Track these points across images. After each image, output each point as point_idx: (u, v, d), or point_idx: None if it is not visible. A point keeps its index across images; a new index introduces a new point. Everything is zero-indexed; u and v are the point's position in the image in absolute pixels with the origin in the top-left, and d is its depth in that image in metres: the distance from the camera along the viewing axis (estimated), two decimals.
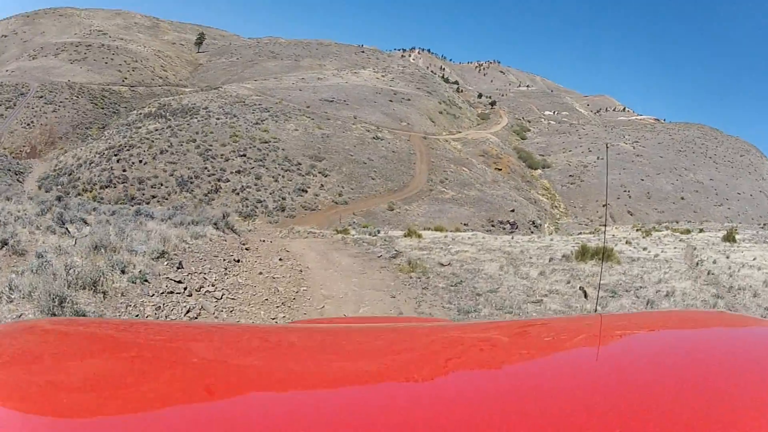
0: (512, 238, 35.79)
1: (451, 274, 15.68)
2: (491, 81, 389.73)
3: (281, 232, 37.42)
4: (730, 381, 1.18)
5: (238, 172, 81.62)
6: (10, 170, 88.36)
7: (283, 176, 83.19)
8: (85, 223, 18.91)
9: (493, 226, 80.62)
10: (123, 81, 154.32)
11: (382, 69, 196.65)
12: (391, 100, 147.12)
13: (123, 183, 76.56)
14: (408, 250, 21.23)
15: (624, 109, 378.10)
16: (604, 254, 19.97)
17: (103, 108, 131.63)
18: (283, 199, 76.81)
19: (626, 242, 34.93)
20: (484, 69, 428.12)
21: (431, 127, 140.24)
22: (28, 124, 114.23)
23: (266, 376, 1.27)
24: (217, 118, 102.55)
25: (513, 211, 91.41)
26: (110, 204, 69.29)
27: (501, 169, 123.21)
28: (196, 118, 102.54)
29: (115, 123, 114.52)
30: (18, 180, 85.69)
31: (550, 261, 19.51)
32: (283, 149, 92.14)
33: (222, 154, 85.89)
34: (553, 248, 24.94)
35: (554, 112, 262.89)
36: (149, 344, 1.50)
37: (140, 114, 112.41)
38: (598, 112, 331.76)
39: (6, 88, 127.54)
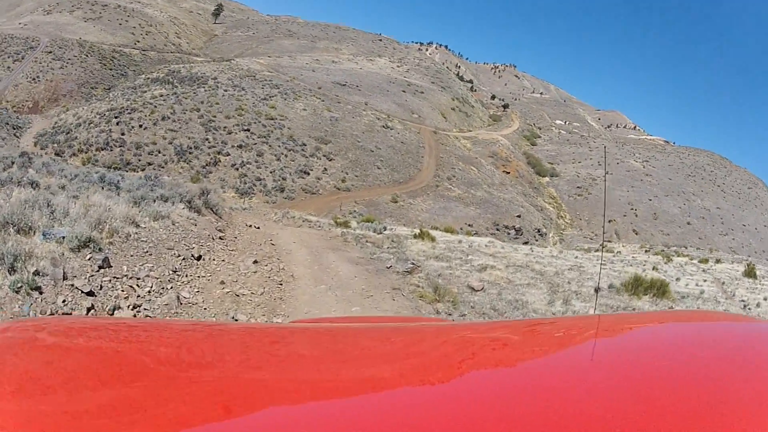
0: (531, 249, 32.01)
1: (490, 308, 11.71)
2: (505, 84, 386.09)
3: (275, 215, 35.03)
4: (730, 381, 1.19)
5: (240, 146, 78.08)
6: (8, 124, 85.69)
7: (285, 156, 79.58)
8: (34, 187, 14.59)
9: (497, 230, 78.52)
10: (135, 44, 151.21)
11: (398, 59, 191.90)
12: (404, 91, 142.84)
13: (120, 147, 73.40)
14: (423, 259, 17.15)
15: (635, 127, 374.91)
16: (641, 284, 16.61)
17: (111, 69, 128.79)
18: (284, 179, 73.39)
19: (653, 268, 31.03)
20: (499, 71, 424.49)
21: (442, 122, 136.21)
22: (34, 79, 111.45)
23: (266, 375, 1.27)
24: (225, 90, 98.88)
25: (519, 216, 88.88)
26: (104, 167, 66.39)
27: (509, 173, 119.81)
28: (204, 87, 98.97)
29: (122, 85, 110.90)
30: (15, 135, 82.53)
31: (596, 292, 15.52)
32: (289, 128, 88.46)
33: (225, 127, 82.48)
34: (584, 270, 21.63)
35: (566, 122, 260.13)
36: (148, 343, 1.47)
37: (148, 78, 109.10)
38: (609, 127, 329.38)
39: (16, 41, 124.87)
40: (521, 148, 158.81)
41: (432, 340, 1.68)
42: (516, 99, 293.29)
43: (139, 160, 70.53)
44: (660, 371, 1.27)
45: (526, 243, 70.83)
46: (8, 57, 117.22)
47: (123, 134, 75.84)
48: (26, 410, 0.93)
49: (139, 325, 1.83)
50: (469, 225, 74.04)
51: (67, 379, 1.09)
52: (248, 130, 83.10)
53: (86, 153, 71.43)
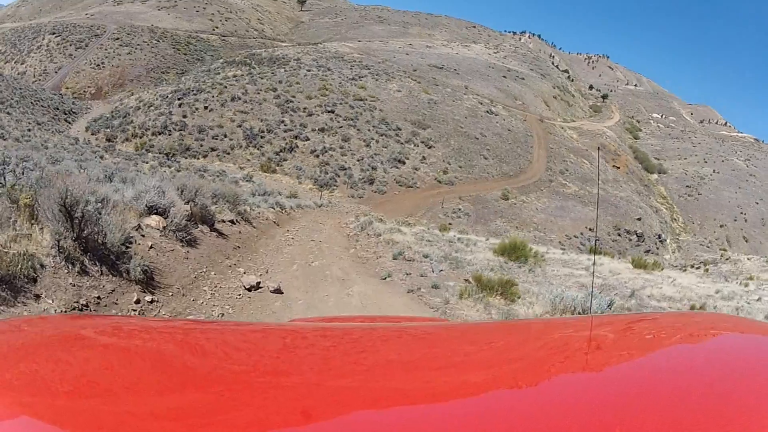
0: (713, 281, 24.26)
1: None
2: (599, 75, 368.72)
3: (355, 220, 27.24)
4: (724, 382, 1.20)
5: (322, 130, 67.40)
6: (58, 109, 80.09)
7: (377, 141, 68.20)
8: None
9: (619, 235, 69.51)
10: (213, 30, 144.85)
11: (494, 46, 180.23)
12: (504, 77, 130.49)
13: (180, 130, 64.47)
14: None
15: (726, 123, 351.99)
16: None
17: (186, 54, 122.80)
18: (374, 169, 62.21)
19: None
20: (593, 62, 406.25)
21: (545, 110, 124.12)
22: (98, 65, 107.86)
23: (267, 375, 1.27)
24: (308, 70, 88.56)
25: (639, 219, 77.31)
26: (160, 153, 57.88)
27: (619, 168, 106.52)
28: (284, 68, 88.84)
29: (197, 69, 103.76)
30: (66, 120, 76.91)
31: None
32: (380, 110, 76.83)
33: (305, 108, 71.78)
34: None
35: (662, 116, 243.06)
36: (151, 343, 1.51)
37: (225, 62, 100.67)
38: (701, 122, 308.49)
39: (79, 29, 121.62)
40: (625, 141, 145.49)
41: (432, 340, 1.72)
42: (612, 90, 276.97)
43: (201, 146, 61.97)
44: (653, 372, 1.29)
45: (648, 251, 65.26)
46: (70, 45, 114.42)
47: (185, 117, 67.02)
48: (28, 407, 0.93)
49: (140, 324, 1.88)
50: (590, 229, 63.91)
51: (65, 377, 1.11)
52: (332, 111, 72.09)
53: (141, 138, 63.84)
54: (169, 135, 63.65)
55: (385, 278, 12.58)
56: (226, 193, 17.06)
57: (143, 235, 10.21)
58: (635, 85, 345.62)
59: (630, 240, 68.96)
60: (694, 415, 0.96)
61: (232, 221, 15.68)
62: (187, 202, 13.10)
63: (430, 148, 70.86)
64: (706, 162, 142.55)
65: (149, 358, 1.29)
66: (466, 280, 12.50)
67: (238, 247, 13.68)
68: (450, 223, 51.57)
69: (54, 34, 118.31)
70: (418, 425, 0.93)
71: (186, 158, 57.57)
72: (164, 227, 11.04)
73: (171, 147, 60.54)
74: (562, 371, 1.31)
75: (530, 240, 55.58)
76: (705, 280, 23.87)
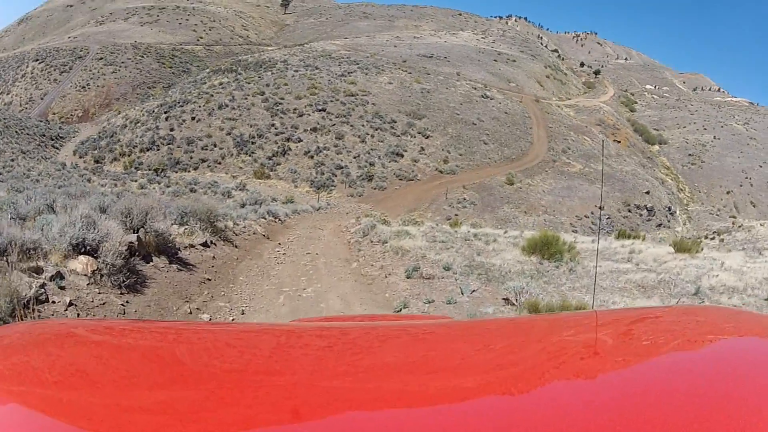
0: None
1: None
2: (589, 52, 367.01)
3: (356, 223, 24.42)
4: (727, 376, 1.18)
5: (314, 129, 64.78)
6: (44, 136, 78.37)
7: (372, 136, 65.53)
8: None
9: (629, 210, 67.66)
10: (198, 41, 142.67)
11: (482, 32, 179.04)
12: (495, 60, 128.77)
13: (168, 144, 62.15)
14: None
15: (719, 89, 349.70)
16: None
17: (171, 67, 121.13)
18: (371, 164, 59.56)
19: None
20: (581, 40, 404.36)
21: (540, 90, 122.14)
22: (83, 87, 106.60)
23: (259, 374, 1.27)
24: (295, 70, 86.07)
25: (648, 193, 74.64)
26: (149, 170, 55.54)
27: (620, 142, 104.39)
28: (271, 71, 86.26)
29: (183, 81, 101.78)
30: (54, 146, 75.26)
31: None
32: (373, 104, 74.16)
33: (295, 109, 69.03)
34: None
35: (655, 87, 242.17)
36: (150, 344, 1.51)
37: (211, 71, 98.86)
38: (694, 90, 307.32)
39: (62, 53, 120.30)
40: (623, 115, 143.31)
41: (434, 337, 1.68)
42: (602, 66, 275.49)
43: (191, 158, 59.79)
44: (656, 367, 1.28)
45: (659, 225, 66.43)
46: (54, 70, 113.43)
47: (172, 130, 64.70)
48: (27, 412, 0.94)
49: (136, 327, 1.85)
50: (600, 208, 61.85)
51: (64, 382, 1.11)
52: (324, 110, 69.33)
53: (129, 156, 61.82)
54: (158, 150, 61.44)
55: (400, 311, 9.38)
56: (198, 210, 14.08)
57: (63, 287, 7.19)
58: (625, 59, 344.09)
59: (641, 215, 67.33)
60: (695, 410, 0.95)
61: (204, 244, 12.79)
62: (135, 231, 10.13)
63: (427, 138, 68.34)
64: (705, 129, 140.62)
65: (141, 356, 1.31)
66: (505, 300, 9.54)
67: (208, 279, 10.66)
68: (456, 214, 50.02)
69: (37, 60, 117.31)
70: (417, 424, 0.92)
71: (176, 172, 55.51)
72: (94, 271, 8.00)
73: (160, 162, 58.31)
74: (568, 371, 1.27)
75: (540, 225, 54.23)
76: (754, 260, 20.85)
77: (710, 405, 0.98)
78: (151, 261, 9.86)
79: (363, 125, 67.05)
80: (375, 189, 55.14)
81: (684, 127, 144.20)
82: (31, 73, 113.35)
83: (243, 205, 27.63)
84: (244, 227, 17.84)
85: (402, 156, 62.53)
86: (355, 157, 60.12)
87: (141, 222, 10.46)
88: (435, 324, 2.17)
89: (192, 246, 12.13)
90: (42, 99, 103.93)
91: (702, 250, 22.62)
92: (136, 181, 47.50)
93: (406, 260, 13.26)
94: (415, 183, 58.70)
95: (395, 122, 69.44)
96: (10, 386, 1.02)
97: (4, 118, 78.30)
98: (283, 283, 11.49)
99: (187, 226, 13.31)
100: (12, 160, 53.16)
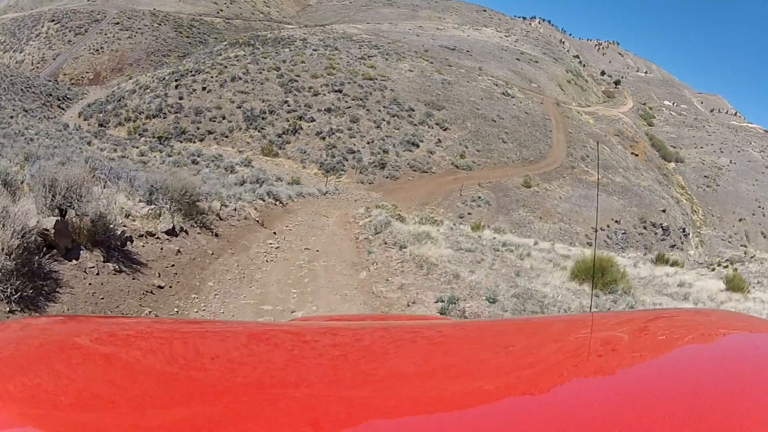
0: None
1: None
2: (609, 62, 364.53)
3: (365, 218, 20.00)
4: (726, 380, 1.17)
5: (328, 110, 61.39)
6: (51, 95, 76.58)
7: (388, 122, 61.91)
8: None
9: (645, 228, 64.44)
10: (218, 13, 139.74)
11: (505, 30, 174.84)
12: (518, 59, 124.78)
13: (176, 113, 59.52)
14: None
15: (735, 113, 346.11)
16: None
17: (188, 37, 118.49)
18: (385, 152, 56.11)
19: None
20: (603, 48, 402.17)
21: (560, 94, 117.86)
22: (97, 50, 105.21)
23: (267, 374, 1.26)
24: (314, 49, 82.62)
25: (664, 211, 71.23)
26: (153, 138, 53.08)
27: (638, 155, 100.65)
28: (289, 48, 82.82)
29: (199, 51, 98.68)
30: (60, 106, 73.63)
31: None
32: (392, 90, 70.45)
33: (310, 87, 65.82)
34: None
35: (674, 104, 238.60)
36: (148, 342, 1.50)
37: (228, 44, 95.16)
38: (711, 111, 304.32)
39: (79, 15, 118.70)
40: (641, 128, 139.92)
41: (433, 338, 1.69)
42: (623, 77, 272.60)
43: (198, 129, 57.24)
44: (654, 370, 1.28)
45: (673, 246, 62.59)
46: (69, 31, 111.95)
47: (181, 98, 61.97)
48: (24, 411, 0.94)
49: (138, 325, 1.84)
50: (617, 221, 60.30)
51: (60, 379, 1.11)
52: (340, 91, 65.90)
53: (134, 122, 59.44)
54: (164, 118, 58.96)
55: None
56: (171, 187, 10.74)
57: None
58: (645, 72, 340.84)
59: (656, 233, 64.29)
60: (692, 413, 0.95)
61: (171, 232, 9.53)
62: (62, 211, 6.83)
63: (445, 130, 64.89)
64: (722, 152, 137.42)
65: (151, 364, 1.27)
66: None
67: (159, 287, 7.30)
68: (470, 213, 47.94)
69: (53, 21, 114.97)
70: (415, 425, 0.93)
71: (181, 142, 52.89)
72: None
73: (165, 130, 55.76)
74: (560, 369, 1.30)
75: (556, 233, 51.39)
76: None
77: (709, 406, 0.99)
78: (77, 258, 6.57)
79: (380, 110, 63.80)
80: (387, 178, 52.02)
81: (701, 147, 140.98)
82: (46, 33, 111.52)
83: (242, 183, 24.39)
84: (235, 210, 14.70)
85: (417, 146, 59.35)
86: (368, 143, 57.00)
87: (66, 200, 7.13)
88: (434, 324, 2.20)
89: (151, 234, 8.87)
90: (54, 59, 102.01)
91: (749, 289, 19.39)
92: (137, 147, 45.54)
93: (433, 279, 9.86)
94: (429, 176, 55.56)
95: (413, 111, 66.19)
96: (10, 389, 1.00)
97: (11, 75, 76.35)
98: (267, 295, 8.30)
99: (153, 206, 10.05)
100: (11, 117, 52.03)
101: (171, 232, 9.51)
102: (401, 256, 11.86)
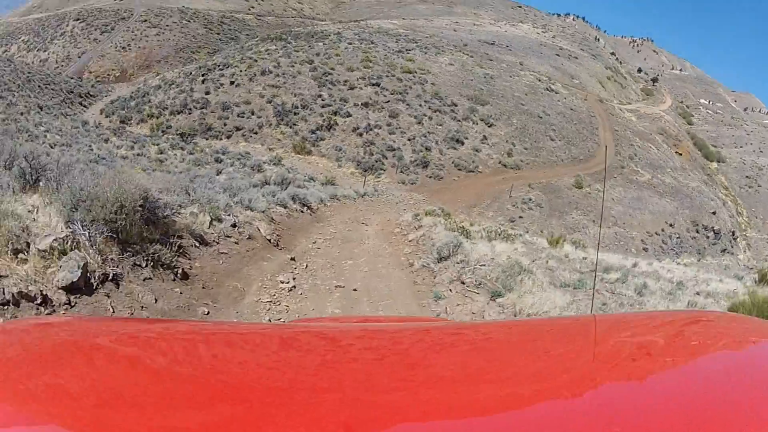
0: None
1: None
2: (644, 59, 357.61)
3: (415, 231, 15.48)
4: (728, 383, 1.19)
5: (366, 105, 57.01)
6: (72, 92, 73.68)
7: (430, 118, 57.41)
8: None
9: (697, 231, 61.24)
10: (249, 10, 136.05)
11: (542, 26, 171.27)
12: (557, 55, 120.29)
13: (201, 108, 55.66)
14: None
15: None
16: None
17: (218, 34, 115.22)
18: (428, 149, 51.87)
19: None
20: (637, 45, 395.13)
21: (601, 91, 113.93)
22: (124, 48, 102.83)
23: (267, 375, 1.27)
24: (349, 43, 78.32)
25: (714, 213, 67.94)
26: (177, 134, 49.73)
27: (681, 154, 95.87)
28: (323, 42, 78.67)
29: (230, 48, 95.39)
30: (82, 104, 70.75)
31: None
32: (432, 83, 65.96)
33: (346, 81, 61.55)
34: None
35: (709, 102, 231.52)
36: (149, 343, 1.50)
37: (260, 40, 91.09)
38: (745, 110, 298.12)
39: (105, 13, 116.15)
40: (682, 127, 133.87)
41: (433, 340, 1.69)
42: (659, 75, 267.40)
43: (225, 125, 53.63)
44: (655, 372, 1.28)
45: (724, 251, 59.74)
46: (95, 29, 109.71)
47: (207, 93, 58.34)
48: (25, 411, 0.94)
49: (142, 325, 1.87)
50: (670, 225, 57.43)
51: (62, 380, 1.10)
52: (378, 84, 61.59)
53: (157, 118, 55.74)
54: (189, 114, 55.36)
55: None
56: (103, 197, 6.17)
57: None
58: (680, 70, 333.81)
59: (707, 237, 61.12)
60: (693, 415, 0.97)
61: (75, 288, 5.10)
62: None
63: (490, 126, 60.24)
64: (761, 151, 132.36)
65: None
66: None
67: None
68: (521, 216, 44.64)
69: (78, 20, 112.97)
70: (415, 426, 0.93)
71: (206, 139, 49.72)
72: None
73: (190, 127, 52.36)
74: (560, 371, 1.31)
75: (611, 239, 47.02)
76: None
77: (711, 409, 1.00)
78: None
79: (420, 105, 59.54)
80: (430, 177, 48.00)
81: (740, 147, 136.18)
82: (71, 32, 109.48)
83: (263, 184, 19.67)
84: (234, 226, 10.24)
85: (462, 143, 54.96)
86: (409, 140, 52.79)
87: None
88: (435, 326, 2.18)
89: (37, 298, 4.58)
90: (80, 57, 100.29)
91: None
92: (157, 144, 42.23)
93: None
94: (476, 175, 51.35)
95: (456, 105, 61.70)
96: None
97: (28, 72, 73.61)
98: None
99: (70, 230, 5.62)
100: (21, 114, 48.92)
101: (77, 289, 5.12)
102: (496, 311, 7.17)
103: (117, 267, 6.08)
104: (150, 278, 6.51)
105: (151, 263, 6.72)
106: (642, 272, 16.58)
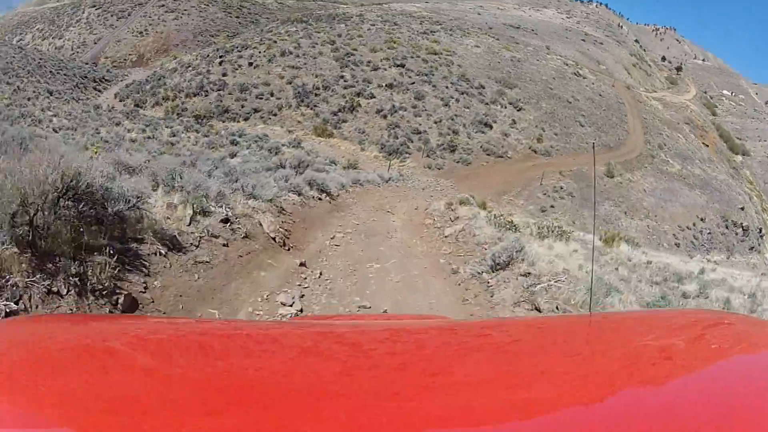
0: None
1: None
2: (667, 48, 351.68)
3: (451, 225, 13.18)
4: (727, 380, 1.19)
5: (390, 86, 54.62)
6: (86, 77, 72.06)
7: (457, 100, 54.85)
8: None
9: (727, 227, 59.29)
10: None
11: (566, 11, 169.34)
12: (583, 40, 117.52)
13: (218, 90, 53.67)
14: None
15: None
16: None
17: (238, 17, 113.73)
18: (455, 133, 49.38)
19: None
20: (660, 34, 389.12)
21: (628, 78, 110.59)
22: (141, 33, 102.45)
23: (267, 374, 1.26)
24: (372, 24, 76.29)
25: (743, 209, 65.78)
26: (193, 117, 47.75)
27: (708, 146, 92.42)
28: (345, 23, 76.52)
29: (249, 31, 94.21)
30: (96, 88, 69.19)
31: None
32: (459, 65, 63.55)
33: (369, 61, 59.36)
34: None
35: (732, 93, 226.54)
36: (149, 341, 1.49)
37: (280, 23, 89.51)
38: (766, 103, 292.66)
39: None
40: (707, 117, 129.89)
41: (434, 338, 1.69)
42: (682, 64, 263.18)
43: (242, 107, 51.60)
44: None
45: (752, 248, 59.65)
46: (111, 15, 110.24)
47: (224, 75, 56.40)
48: (25, 409, 0.93)
49: (138, 323, 1.88)
50: (701, 219, 55.61)
51: (61, 379, 1.09)
52: (402, 65, 59.28)
53: (173, 101, 53.60)
54: (206, 96, 53.27)
55: None
56: None
57: None
58: (703, 60, 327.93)
59: (736, 234, 59.26)
60: (690, 413, 0.97)
61: None
62: None
63: (519, 110, 57.77)
64: None
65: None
66: None
67: None
68: (552, 206, 42.71)
69: (94, 6, 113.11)
70: (414, 424, 0.93)
71: (223, 122, 47.53)
72: None
73: (207, 109, 50.25)
74: (560, 369, 1.30)
75: (644, 232, 44.11)
76: None
77: (709, 406, 1.01)
78: None
79: (447, 87, 56.97)
80: (457, 162, 45.52)
81: (764, 140, 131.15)
82: (87, 19, 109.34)
83: (277, 167, 16.96)
84: (227, 222, 7.74)
85: (491, 127, 52.41)
86: (435, 122, 50.19)
87: None
88: (434, 324, 2.21)
89: None
90: (96, 44, 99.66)
91: None
92: (170, 127, 40.42)
93: None
94: (505, 161, 48.96)
95: (483, 88, 59.18)
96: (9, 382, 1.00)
97: (40, 58, 72.31)
98: None
99: None
100: (28, 99, 47.33)
101: None
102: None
103: (17, 299, 3.63)
104: (72, 311, 4.07)
105: (76, 288, 4.24)
106: (711, 280, 14.10)
